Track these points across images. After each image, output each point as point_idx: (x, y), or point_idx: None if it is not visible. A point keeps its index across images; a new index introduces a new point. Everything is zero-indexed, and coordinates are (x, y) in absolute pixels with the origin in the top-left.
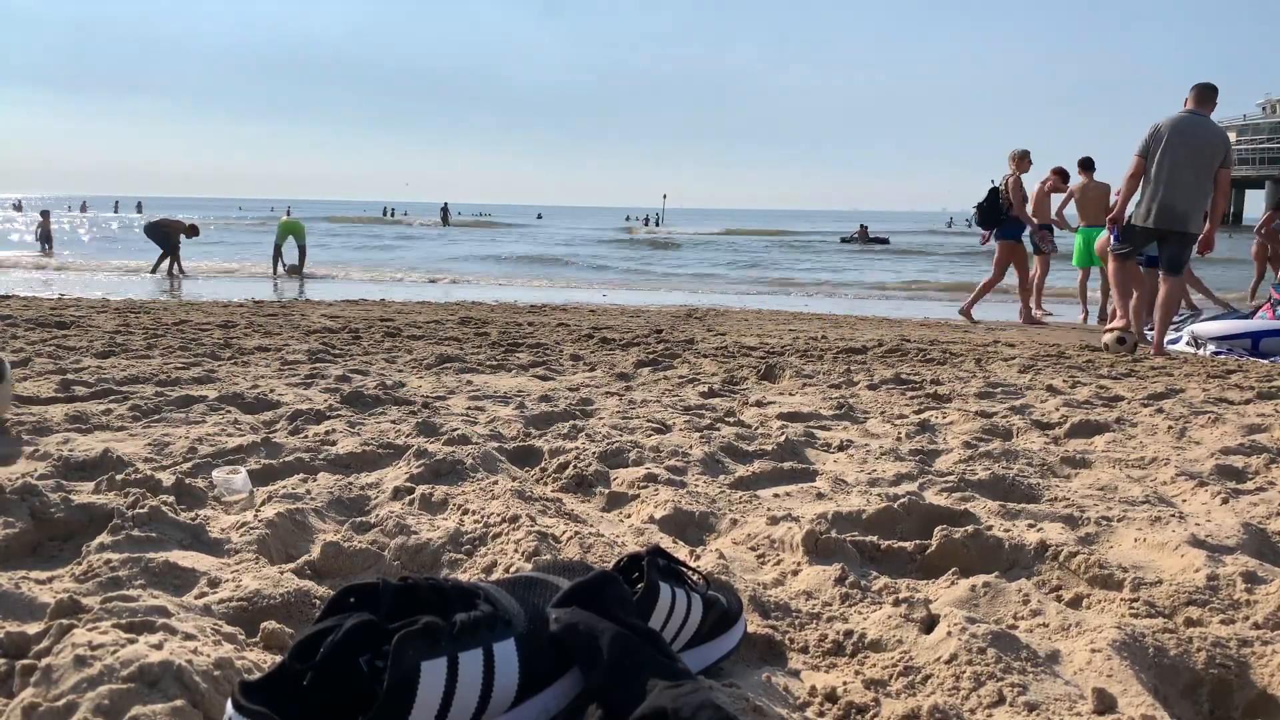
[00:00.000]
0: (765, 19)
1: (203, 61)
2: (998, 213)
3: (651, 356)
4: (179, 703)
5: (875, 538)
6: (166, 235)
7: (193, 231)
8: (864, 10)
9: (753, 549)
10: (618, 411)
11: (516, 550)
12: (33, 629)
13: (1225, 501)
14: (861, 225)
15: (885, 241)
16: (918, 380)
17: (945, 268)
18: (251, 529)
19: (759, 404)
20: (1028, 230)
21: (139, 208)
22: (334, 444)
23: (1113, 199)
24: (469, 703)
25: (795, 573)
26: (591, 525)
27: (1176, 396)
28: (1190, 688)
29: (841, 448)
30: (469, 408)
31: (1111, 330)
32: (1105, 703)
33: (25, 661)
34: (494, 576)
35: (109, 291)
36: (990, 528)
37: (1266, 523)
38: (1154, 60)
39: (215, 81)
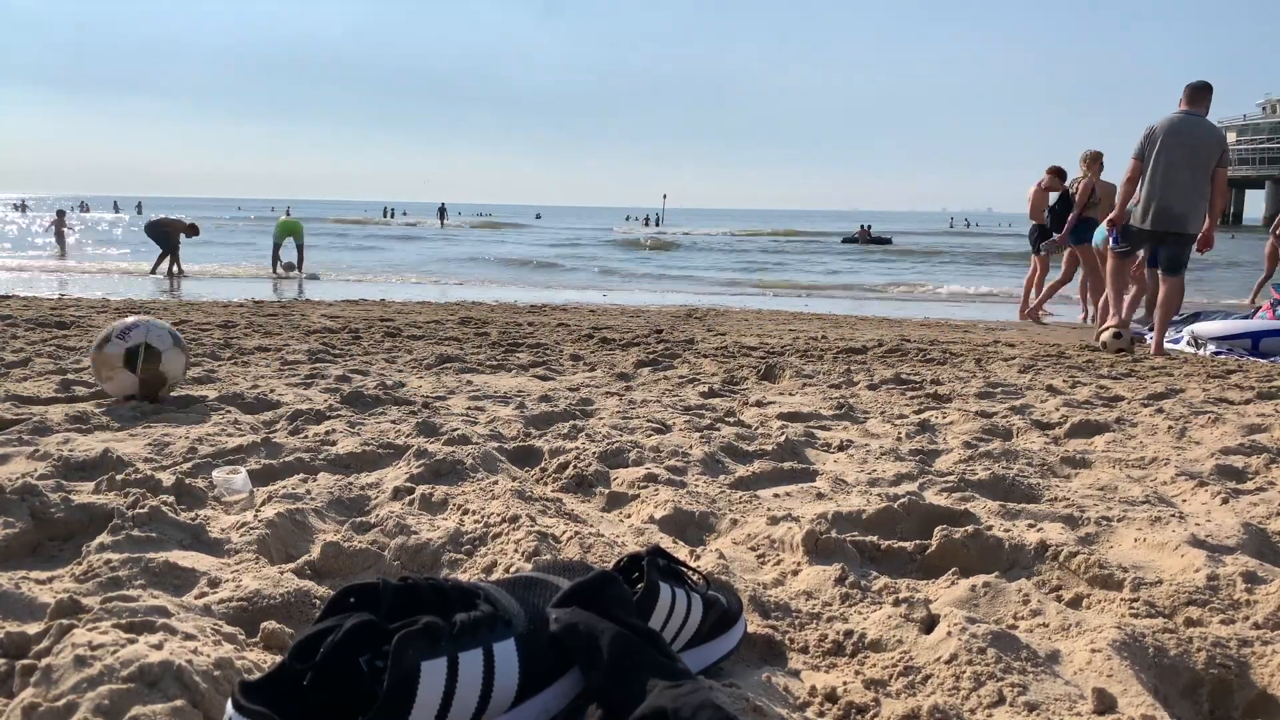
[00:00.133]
0: (765, 19)
1: (203, 61)
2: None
3: (651, 356)
4: (179, 703)
5: (875, 538)
6: (166, 234)
7: (193, 230)
8: (864, 10)
9: (753, 549)
10: (618, 411)
11: (516, 550)
12: (33, 629)
13: (1225, 501)
14: (863, 225)
15: (888, 241)
16: (918, 380)
17: (979, 272)
18: (251, 529)
19: (759, 404)
20: (1100, 232)
21: (139, 208)
22: (334, 444)
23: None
24: (469, 703)
25: (795, 573)
26: (591, 525)
27: (1176, 396)
28: (1190, 688)
29: (841, 448)
30: (469, 408)
31: (1107, 328)
32: (1105, 703)
33: (25, 661)
34: (494, 576)
35: (109, 292)
36: (990, 528)
37: (1266, 523)
38: (1154, 60)
39: (215, 81)
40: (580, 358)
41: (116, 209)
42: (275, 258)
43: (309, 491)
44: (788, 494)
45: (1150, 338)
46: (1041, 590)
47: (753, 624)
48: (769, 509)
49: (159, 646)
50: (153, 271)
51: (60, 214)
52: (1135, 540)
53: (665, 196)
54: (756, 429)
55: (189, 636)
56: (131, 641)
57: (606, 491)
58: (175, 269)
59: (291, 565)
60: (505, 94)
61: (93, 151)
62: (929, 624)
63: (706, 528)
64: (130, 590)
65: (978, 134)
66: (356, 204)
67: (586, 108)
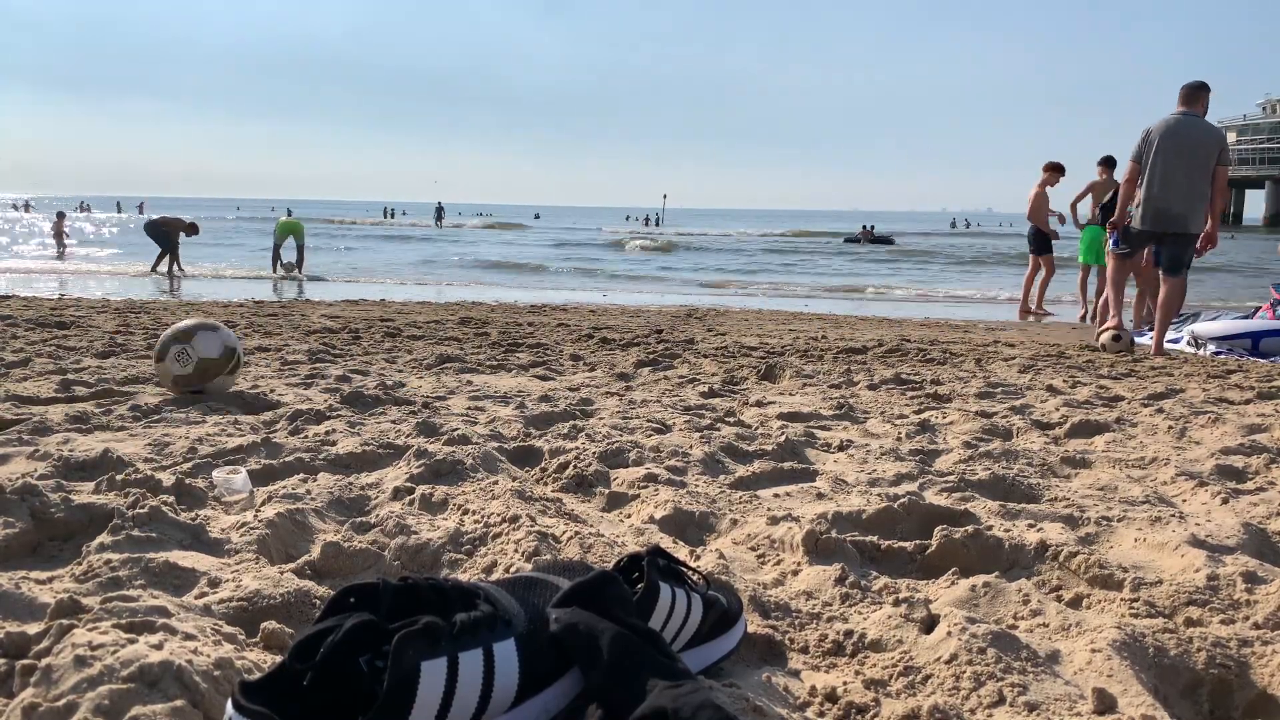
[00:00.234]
0: (765, 19)
1: (203, 61)
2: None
3: (651, 356)
4: (179, 703)
5: (875, 538)
6: (166, 234)
7: (193, 229)
8: (864, 10)
9: (753, 549)
10: (618, 411)
11: (516, 550)
12: (33, 629)
13: (1225, 501)
14: (865, 225)
15: (890, 241)
16: (918, 380)
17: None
18: (251, 529)
19: (759, 404)
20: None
21: (140, 208)
22: (334, 444)
23: None
24: (469, 703)
25: (795, 573)
26: (591, 525)
27: (1176, 396)
28: (1190, 688)
29: (841, 448)
30: (469, 408)
31: (1107, 329)
32: (1105, 703)
33: (25, 661)
34: (494, 576)
35: (109, 292)
36: (990, 528)
37: (1266, 523)
38: (1154, 60)
39: (215, 81)
40: (580, 358)
41: (119, 209)
42: (275, 258)
43: (309, 491)
44: (788, 494)
45: (1150, 337)
46: (1041, 590)
47: (753, 624)
48: (769, 509)
49: (159, 646)
50: (153, 270)
51: (60, 215)
52: (1135, 540)
53: (665, 196)
54: (756, 429)
55: (189, 636)
56: (131, 641)
57: (606, 491)
58: (175, 268)
59: (291, 565)
60: (505, 94)
61: (93, 151)
62: (929, 624)
63: (706, 528)
64: (130, 590)
65: (978, 134)
66: (357, 204)
67: (586, 108)
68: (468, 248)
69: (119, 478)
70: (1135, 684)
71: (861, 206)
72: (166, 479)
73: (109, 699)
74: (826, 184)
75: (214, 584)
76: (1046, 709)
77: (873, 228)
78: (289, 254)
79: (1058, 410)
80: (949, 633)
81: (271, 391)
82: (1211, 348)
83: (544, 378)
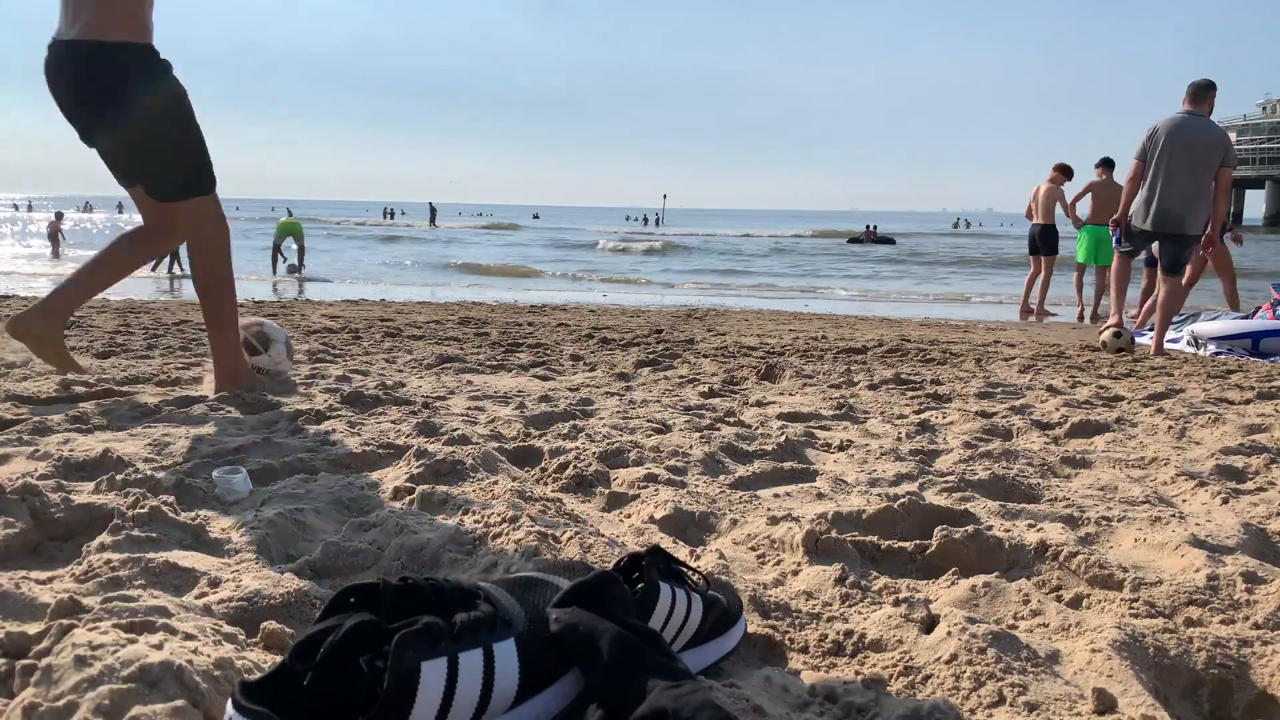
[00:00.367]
0: (765, 19)
1: (203, 61)
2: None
3: (651, 356)
4: (179, 703)
5: (875, 538)
6: None
7: None
8: (864, 10)
9: (753, 549)
10: (618, 411)
11: (516, 550)
12: (33, 629)
13: (1225, 501)
14: (868, 226)
15: (891, 242)
16: (918, 380)
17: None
18: (251, 529)
19: (759, 404)
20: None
21: None
22: (334, 444)
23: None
24: (469, 703)
25: (795, 573)
26: (591, 525)
27: (1177, 396)
28: (1190, 688)
29: (841, 448)
30: (469, 408)
31: (1108, 328)
32: (1105, 703)
33: (25, 661)
34: (494, 577)
35: (109, 291)
36: (990, 528)
37: (1266, 523)
38: (1154, 60)
39: (215, 81)
40: (580, 358)
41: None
42: (275, 258)
43: (309, 491)
44: (788, 494)
45: (1149, 337)
46: (1041, 590)
47: (753, 624)
48: (769, 509)
49: (159, 646)
50: (153, 270)
51: (59, 215)
52: (1135, 540)
53: (665, 196)
54: (756, 429)
55: (189, 636)
56: (132, 641)
57: (606, 491)
58: (176, 269)
59: (291, 565)
60: (505, 94)
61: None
62: (929, 624)
63: (706, 528)
64: (130, 590)
65: (978, 134)
66: (357, 204)
67: (586, 108)
68: (449, 249)
69: (119, 478)
70: (1135, 684)
71: (862, 206)
72: (166, 479)
73: (109, 699)
74: (827, 184)
75: (214, 584)
76: (1046, 709)
77: (875, 228)
78: (289, 254)
79: (1058, 410)
80: (949, 633)
81: (272, 391)
82: (1211, 348)
83: (544, 378)
